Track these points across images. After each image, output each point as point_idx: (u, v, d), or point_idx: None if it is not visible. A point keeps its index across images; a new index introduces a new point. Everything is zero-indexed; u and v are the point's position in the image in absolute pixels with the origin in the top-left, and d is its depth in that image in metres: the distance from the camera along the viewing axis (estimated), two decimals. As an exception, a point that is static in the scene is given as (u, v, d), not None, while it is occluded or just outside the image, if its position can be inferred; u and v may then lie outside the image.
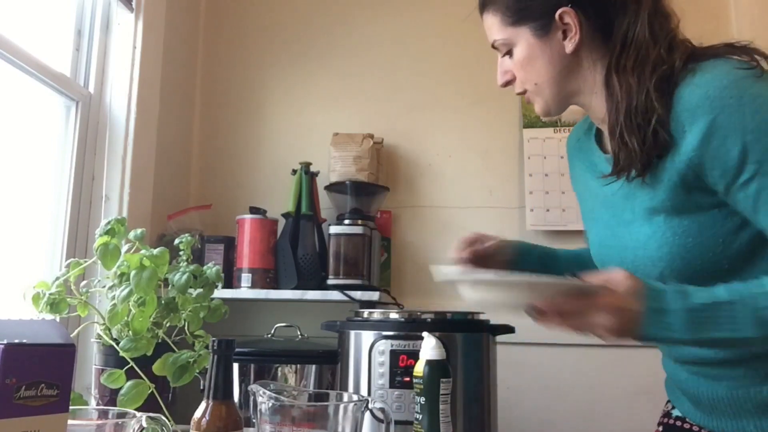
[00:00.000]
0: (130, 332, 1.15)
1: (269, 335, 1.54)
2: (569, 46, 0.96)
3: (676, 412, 1.09)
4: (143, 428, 0.80)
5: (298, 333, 1.56)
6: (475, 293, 0.86)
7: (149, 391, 1.10)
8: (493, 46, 1.05)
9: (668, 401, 1.15)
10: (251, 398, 0.89)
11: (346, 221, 1.79)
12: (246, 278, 1.76)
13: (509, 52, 1.02)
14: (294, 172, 1.85)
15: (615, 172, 0.93)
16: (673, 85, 0.87)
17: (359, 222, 1.79)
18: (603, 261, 1.05)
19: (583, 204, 1.13)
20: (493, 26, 1.03)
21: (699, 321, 0.79)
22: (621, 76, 0.91)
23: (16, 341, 0.62)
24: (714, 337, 0.80)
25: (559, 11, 0.95)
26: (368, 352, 1.19)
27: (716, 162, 0.83)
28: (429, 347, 0.98)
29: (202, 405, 0.84)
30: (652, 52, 0.90)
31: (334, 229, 1.78)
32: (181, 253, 1.26)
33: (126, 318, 1.15)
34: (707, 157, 0.84)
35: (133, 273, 1.13)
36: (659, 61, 0.89)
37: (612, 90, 0.92)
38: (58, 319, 1.18)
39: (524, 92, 1.03)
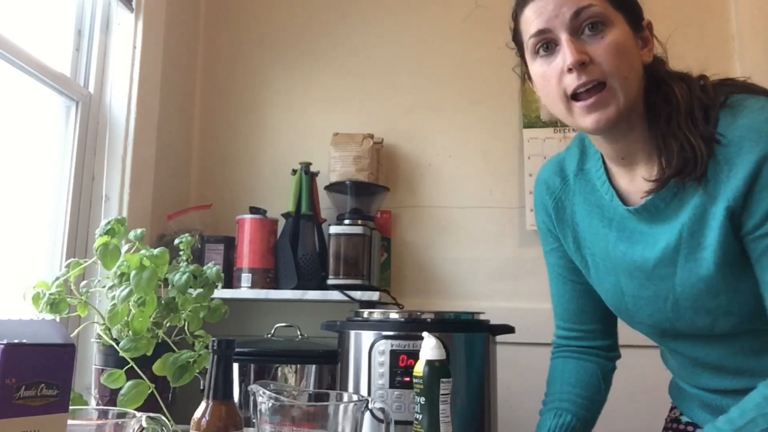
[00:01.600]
0: (130, 332, 1.15)
1: (269, 335, 1.54)
2: (649, 55, 0.90)
3: (685, 418, 1.09)
4: (143, 428, 0.80)
5: (298, 333, 1.56)
6: None
7: (149, 391, 1.10)
8: (576, 14, 0.84)
9: (673, 407, 1.15)
10: (251, 398, 0.89)
11: (346, 221, 1.79)
12: (246, 278, 1.76)
13: (596, 28, 0.84)
14: (294, 172, 1.85)
15: (672, 175, 0.86)
16: (712, 108, 0.85)
17: (359, 222, 1.78)
18: (629, 313, 1.01)
19: (592, 248, 1.02)
20: None
21: None
22: (674, 82, 0.89)
23: (16, 341, 0.62)
24: None
25: (646, 19, 0.92)
26: (368, 352, 1.19)
27: (750, 205, 0.82)
28: (429, 347, 0.98)
29: (202, 405, 0.84)
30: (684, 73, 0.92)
31: (334, 229, 1.78)
32: (181, 253, 1.26)
33: (126, 318, 1.15)
34: (746, 198, 0.82)
35: (133, 273, 1.13)
36: (693, 76, 0.91)
37: (669, 95, 0.89)
38: (58, 319, 1.18)
39: (595, 85, 0.84)
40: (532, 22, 0.88)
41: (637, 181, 0.93)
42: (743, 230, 0.83)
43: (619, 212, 0.96)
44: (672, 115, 0.87)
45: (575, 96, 0.86)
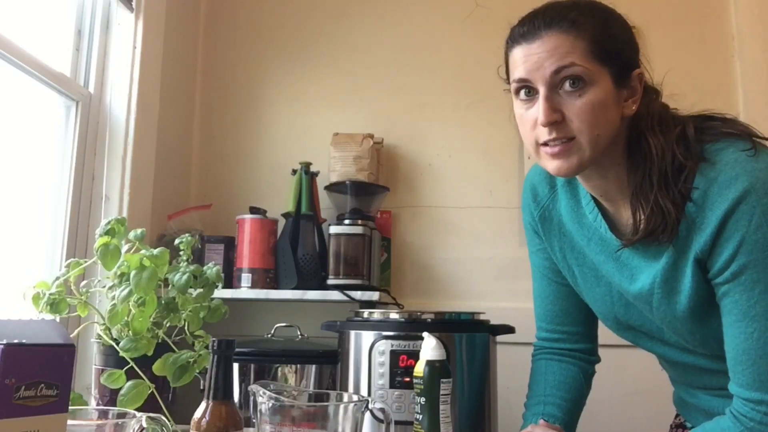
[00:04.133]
0: (130, 332, 1.15)
1: (269, 335, 1.54)
2: (633, 107, 0.89)
3: (690, 424, 1.09)
4: (143, 428, 0.80)
5: (298, 333, 1.56)
6: None
7: (149, 391, 1.10)
8: (557, 72, 0.86)
9: (678, 414, 1.15)
10: (251, 398, 0.89)
11: (346, 221, 1.79)
12: (246, 278, 1.76)
13: (576, 85, 0.85)
14: (294, 172, 1.85)
15: (640, 238, 0.89)
16: (692, 158, 0.86)
17: (359, 222, 1.78)
18: (618, 324, 1.04)
19: (581, 259, 1.04)
20: (575, 50, 0.85)
21: None
22: (653, 137, 0.89)
23: (16, 341, 0.62)
24: None
25: (637, 70, 0.90)
26: (368, 352, 1.19)
27: (713, 254, 0.85)
28: (429, 347, 0.98)
29: (202, 405, 0.84)
30: (666, 114, 0.92)
31: (334, 229, 1.78)
32: (181, 253, 1.26)
33: (126, 318, 1.15)
34: (711, 248, 0.85)
35: (133, 273, 1.13)
36: (673, 120, 0.91)
37: (646, 151, 0.89)
38: (58, 319, 1.18)
39: (562, 140, 0.87)
40: (517, 67, 0.90)
41: (621, 213, 0.95)
42: (708, 274, 0.87)
43: (606, 237, 0.97)
44: (646, 173, 0.88)
45: (544, 143, 0.89)
